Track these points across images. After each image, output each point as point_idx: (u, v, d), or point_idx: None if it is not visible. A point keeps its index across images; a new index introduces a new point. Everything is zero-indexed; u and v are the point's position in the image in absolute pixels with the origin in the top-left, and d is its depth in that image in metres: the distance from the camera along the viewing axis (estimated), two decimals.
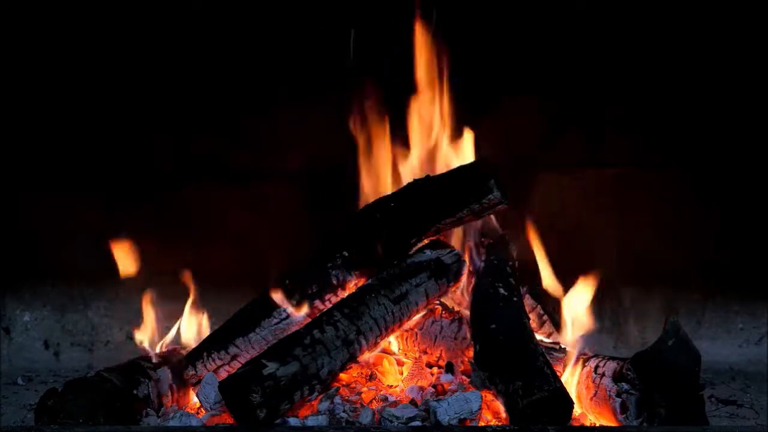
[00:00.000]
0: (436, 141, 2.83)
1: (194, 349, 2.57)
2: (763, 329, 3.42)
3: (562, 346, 2.51)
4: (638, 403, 2.15)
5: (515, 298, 2.50)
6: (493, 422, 2.22)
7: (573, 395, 2.26)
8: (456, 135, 2.82)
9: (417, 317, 2.55)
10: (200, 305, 2.71)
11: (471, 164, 2.64)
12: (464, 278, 2.62)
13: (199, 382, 2.44)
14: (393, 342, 2.60)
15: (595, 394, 2.29)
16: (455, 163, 2.73)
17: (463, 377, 2.45)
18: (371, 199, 2.71)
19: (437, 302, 2.59)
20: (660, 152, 3.38)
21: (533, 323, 2.56)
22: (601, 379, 2.29)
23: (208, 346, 2.54)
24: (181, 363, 2.51)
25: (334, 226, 2.81)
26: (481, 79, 3.19)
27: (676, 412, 2.10)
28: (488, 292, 2.49)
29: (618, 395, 2.19)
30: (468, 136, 2.79)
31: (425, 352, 2.58)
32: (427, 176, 2.64)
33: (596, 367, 2.33)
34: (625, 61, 3.31)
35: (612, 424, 2.21)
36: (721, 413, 2.73)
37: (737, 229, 3.39)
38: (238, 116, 3.35)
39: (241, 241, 3.29)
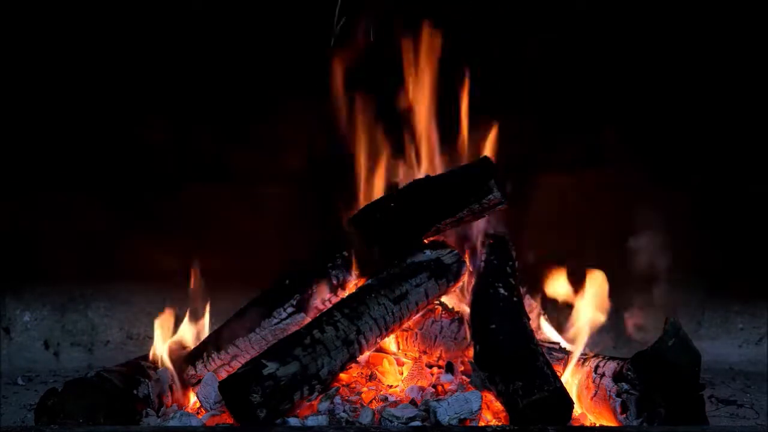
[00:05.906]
0: (436, 141, 2.83)
1: (194, 349, 2.57)
2: (763, 329, 3.42)
3: (562, 346, 2.51)
4: (638, 403, 2.15)
5: (515, 298, 2.50)
6: (493, 422, 2.22)
7: (573, 395, 2.26)
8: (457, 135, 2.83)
9: (417, 317, 2.55)
10: (200, 305, 2.71)
11: (471, 164, 2.63)
12: (464, 278, 2.62)
13: (199, 382, 2.44)
14: (393, 342, 2.60)
15: (595, 394, 2.29)
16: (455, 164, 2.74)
17: (463, 377, 2.45)
18: (371, 199, 2.71)
19: (437, 302, 2.59)
20: (660, 154, 3.38)
21: (533, 323, 2.56)
22: (601, 379, 2.28)
23: (208, 346, 2.54)
24: (182, 363, 2.51)
25: (334, 226, 2.80)
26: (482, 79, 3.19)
27: (676, 412, 2.10)
28: (488, 292, 2.49)
29: (618, 395, 2.19)
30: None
31: (425, 352, 2.58)
32: (427, 176, 2.63)
33: (596, 367, 2.33)
34: (625, 66, 3.31)
35: (612, 424, 2.21)
36: (721, 413, 2.73)
37: (737, 230, 3.39)
38: (237, 117, 3.35)
39: (241, 241, 3.29)
